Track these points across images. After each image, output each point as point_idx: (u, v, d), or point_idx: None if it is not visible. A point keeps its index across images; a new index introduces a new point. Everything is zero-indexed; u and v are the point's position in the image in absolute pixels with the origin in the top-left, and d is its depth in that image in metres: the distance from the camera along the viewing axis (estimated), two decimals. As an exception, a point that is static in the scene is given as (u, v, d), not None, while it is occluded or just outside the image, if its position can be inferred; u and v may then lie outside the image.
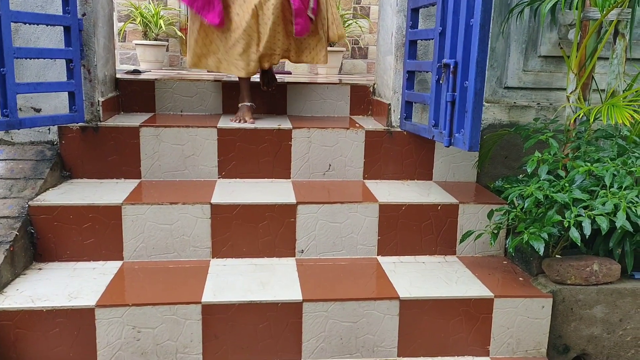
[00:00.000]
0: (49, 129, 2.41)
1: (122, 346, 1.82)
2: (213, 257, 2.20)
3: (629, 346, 1.98)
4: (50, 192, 2.22)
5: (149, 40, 5.37)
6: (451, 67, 2.02)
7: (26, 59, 2.20)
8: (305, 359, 1.92)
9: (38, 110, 2.41)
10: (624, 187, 1.85)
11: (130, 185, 2.38)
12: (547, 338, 1.97)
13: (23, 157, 2.33)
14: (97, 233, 2.14)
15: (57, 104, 2.41)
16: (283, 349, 1.90)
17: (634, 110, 1.97)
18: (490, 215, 2.22)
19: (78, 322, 1.80)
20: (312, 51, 2.77)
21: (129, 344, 1.83)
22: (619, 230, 1.97)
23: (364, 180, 2.60)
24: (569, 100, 2.21)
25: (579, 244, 1.86)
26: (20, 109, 2.32)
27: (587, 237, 1.82)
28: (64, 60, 2.31)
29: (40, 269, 2.07)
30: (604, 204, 1.82)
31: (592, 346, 1.98)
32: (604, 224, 1.77)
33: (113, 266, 2.11)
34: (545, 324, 1.97)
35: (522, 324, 1.96)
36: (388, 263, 2.24)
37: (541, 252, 1.87)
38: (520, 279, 2.10)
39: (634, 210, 1.78)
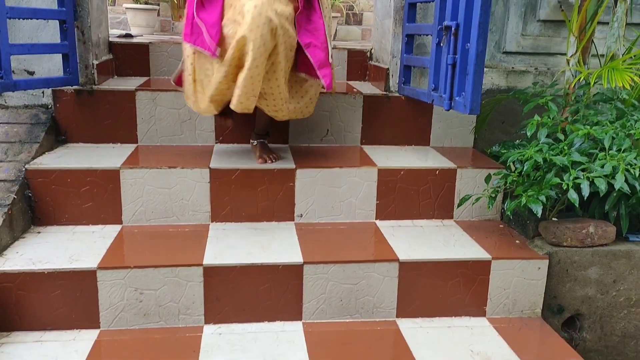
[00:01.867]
0: (42, 92, 2.37)
1: (125, 307, 1.84)
2: (212, 221, 2.21)
3: (621, 307, 2.03)
4: (46, 156, 2.20)
5: (140, 4, 5.25)
6: (452, 29, 2.01)
7: (19, 19, 2.14)
8: (305, 320, 1.94)
9: (32, 73, 2.37)
10: (622, 149, 1.87)
11: (127, 149, 2.36)
12: (542, 299, 2.01)
13: (17, 120, 2.29)
14: (96, 197, 2.13)
15: (50, 66, 2.37)
16: (284, 311, 1.92)
17: (634, 73, 1.97)
18: (487, 179, 2.24)
19: (80, 284, 1.81)
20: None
21: (131, 305, 1.84)
22: (616, 193, 1.99)
23: (362, 146, 2.60)
24: (568, 64, 2.21)
25: (577, 206, 1.89)
26: (13, 71, 2.27)
27: (585, 199, 1.84)
28: (57, 21, 2.26)
29: (39, 232, 2.06)
30: (602, 167, 1.84)
31: (586, 307, 2.02)
32: (602, 186, 1.79)
33: (112, 230, 2.11)
34: (540, 285, 2.00)
35: (518, 285, 2.00)
36: (386, 227, 2.25)
37: (539, 215, 1.89)
38: (517, 241, 2.13)
39: (632, 173, 1.80)
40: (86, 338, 1.79)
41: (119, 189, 2.13)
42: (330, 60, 2.07)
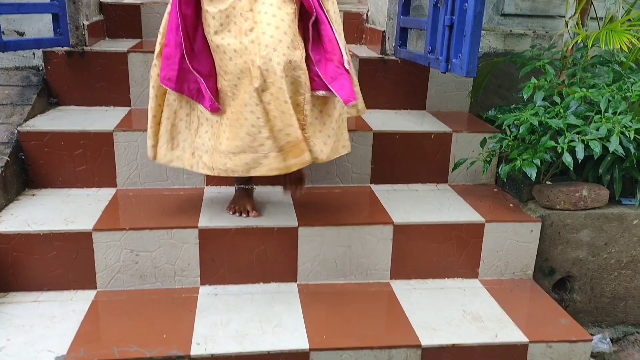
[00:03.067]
0: (33, 54, 2.33)
1: (121, 269, 1.85)
2: (207, 185, 2.21)
3: (612, 269, 2.06)
4: (38, 118, 2.18)
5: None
6: (450, -11, 1.97)
7: (7, -23, 2.09)
8: (300, 281, 1.96)
9: (21, 34, 2.33)
10: (618, 112, 1.87)
11: (120, 112, 2.34)
12: (534, 261, 2.04)
13: (8, 82, 2.26)
14: (89, 160, 2.12)
15: (41, 27, 2.33)
16: (279, 272, 1.94)
17: (633, 35, 1.95)
18: (483, 143, 2.24)
19: (75, 245, 1.81)
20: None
21: (127, 266, 1.85)
22: (610, 157, 2.00)
23: (357, 110, 2.58)
24: (567, 26, 2.19)
25: (571, 170, 1.89)
26: (3, 32, 2.22)
27: (579, 162, 1.85)
28: (46, -20, 2.21)
29: (33, 194, 2.06)
30: (597, 129, 1.84)
31: (577, 269, 2.05)
32: (597, 148, 1.79)
33: (107, 193, 2.11)
34: (533, 248, 2.03)
35: (511, 247, 2.02)
36: (381, 191, 2.26)
37: (533, 178, 1.90)
38: (511, 205, 2.14)
39: (627, 135, 1.80)
40: (83, 298, 1.80)
41: (112, 152, 2.12)
42: (346, 67, 1.68)
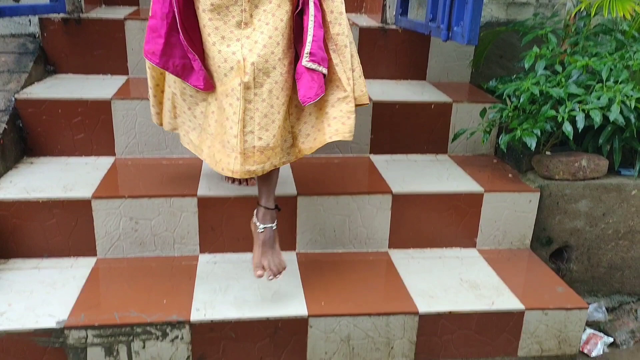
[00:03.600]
0: (29, 21, 2.30)
1: (121, 236, 1.86)
2: (206, 154, 2.20)
3: (609, 239, 2.07)
4: (36, 86, 2.16)
5: None
6: (452, -45, 1.93)
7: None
8: (299, 250, 1.98)
9: (17, 0, 2.29)
10: (620, 81, 1.85)
11: (118, 81, 2.32)
12: (531, 231, 2.05)
13: (5, 50, 2.23)
14: (88, 128, 2.11)
15: (36, -7, 2.29)
16: (279, 241, 1.95)
17: (636, 3, 1.92)
18: (483, 113, 2.22)
19: (75, 213, 1.82)
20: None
21: (127, 234, 1.86)
22: (610, 127, 1.99)
23: (357, 80, 2.56)
24: (570, -6, 2.15)
25: (571, 140, 1.89)
26: (-3, -2, 2.20)
27: (579, 131, 1.84)
28: (41, -56, 2.17)
29: (32, 162, 2.05)
30: (598, 98, 1.82)
31: (575, 239, 2.06)
32: (597, 118, 1.78)
33: (105, 161, 2.10)
34: (531, 218, 2.03)
35: (509, 217, 2.03)
36: (380, 161, 2.26)
37: (533, 148, 1.89)
38: (510, 175, 2.14)
39: (628, 105, 1.79)
40: (83, 265, 1.81)
41: (110, 121, 2.11)
42: (303, 63, 1.52)
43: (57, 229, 1.82)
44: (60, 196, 1.80)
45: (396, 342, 1.68)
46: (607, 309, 2.09)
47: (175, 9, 1.50)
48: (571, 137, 1.85)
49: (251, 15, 1.51)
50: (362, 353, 1.68)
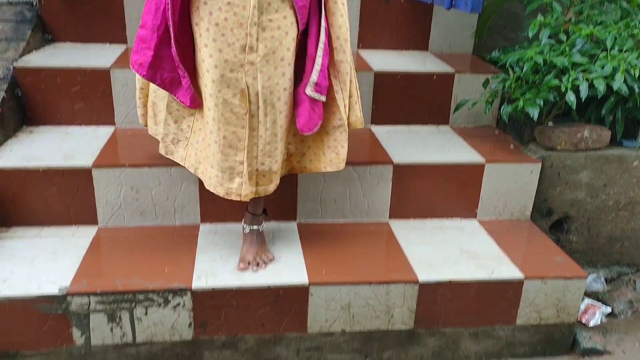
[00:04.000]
0: (26, -12, 2.27)
1: (122, 206, 1.86)
2: (206, 124, 2.19)
3: (609, 210, 2.07)
4: (34, 55, 2.14)
5: None
6: None
7: None
8: (300, 220, 1.98)
9: (12, -33, 2.25)
10: (624, 49, 1.83)
11: (117, 50, 2.29)
12: (532, 202, 2.05)
13: (2, 18, 2.20)
14: (87, 98, 2.09)
15: (32, -41, 2.25)
16: (279, 211, 1.95)
17: (644, -29, 1.89)
18: (485, 84, 2.20)
19: (75, 182, 1.81)
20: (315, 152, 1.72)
21: (127, 203, 1.86)
22: (613, 98, 1.98)
23: (359, 50, 2.53)
24: (576, -38, 2.12)
25: (573, 110, 1.87)
26: (-8, -36, 2.16)
27: (582, 101, 1.83)
28: None
29: (31, 132, 2.04)
30: (602, 67, 1.81)
31: (575, 210, 2.06)
32: (601, 87, 1.77)
33: (105, 131, 2.09)
34: (532, 189, 2.03)
35: (510, 188, 2.02)
36: (382, 132, 2.24)
37: (535, 118, 1.88)
38: (511, 146, 2.13)
39: (632, 74, 1.77)
40: (84, 234, 1.82)
41: (110, 90, 2.09)
42: (307, 92, 1.52)
43: (57, 198, 1.82)
44: (60, 165, 1.80)
45: (396, 310, 1.70)
46: (605, 280, 2.11)
47: (170, 23, 1.42)
48: (574, 107, 1.83)
49: (257, 40, 1.44)
50: (362, 321, 1.70)
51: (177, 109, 1.63)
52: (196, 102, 1.54)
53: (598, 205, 2.06)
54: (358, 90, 1.65)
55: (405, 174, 1.97)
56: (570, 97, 1.82)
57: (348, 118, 1.63)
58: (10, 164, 1.78)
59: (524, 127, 2.12)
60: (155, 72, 1.51)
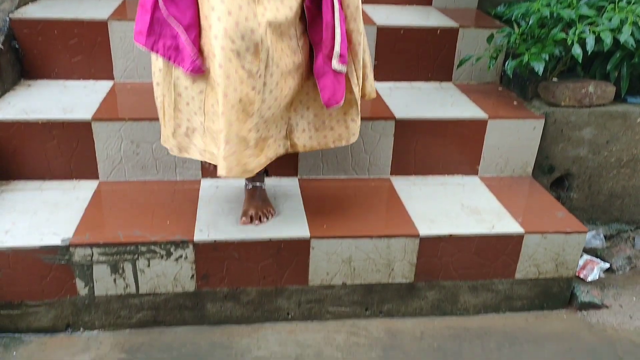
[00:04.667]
0: (19, -63, 2.20)
1: (122, 160, 1.85)
2: (206, 79, 2.16)
3: (611, 167, 2.06)
4: (30, 6, 2.10)
5: None
6: None
7: None
8: (301, 176, 1.97)
9: None
10: (632, 1, 1.79)
11: (114, 1, 2.25)
12: (534, 158, 2.04)
13: (-5, -33, 2.15)
14: (85, 50, 2.06)
15: None
16: (281, 167, 1.94)
17: None
18: (490, 39, 2.17)
19: (75, 135, 1.80)
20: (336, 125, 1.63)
21: (128, 157, 1.85)
22: (619, 53, 1.95)
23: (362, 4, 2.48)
24: None
25: (579, 63, 1.85)
26: None
27: (589, 54, 1.80)
28: None
29: (29, 85, 2.02)
30: (610, 20, 1.77)
31: (577, 167, 2.06)
32: (607, 39, 1.74)
33: (104, 85, 2.07)
34: (534, 145, 2.02)
35: (513, 145, 2.01)
36: (384, 88, 2.22)
37: (540, 73, 1.86)
38: (515, 102, 2.11)
39: (640, 26, 1.74)
40: (86, 187, 1.82)
41: (108, 43, 2.05)
42: (333, 65, 1.42)
43: (57, 151, 1.81)
44: (59, 117, 1.78)
45: (396, 264, 1.71)
46: (605, 237, 2.12)
47: None
48: (580, 60, 1.81)
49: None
50: (363, 274, 1.71)
51: (185, 87, 1.43)
52: (197, 67, 1.37)
53: (600, 162, 2.05)
54: (370, 61, 1.57)
55: (407, 130, 1.96)
56: (577, 50, 1.79)
57: (363, 89, 1.55)
58: (9, 117, 1.76)
59: (527, 83, 2.09)
60: (157, 39, 1.36)
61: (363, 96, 1.58)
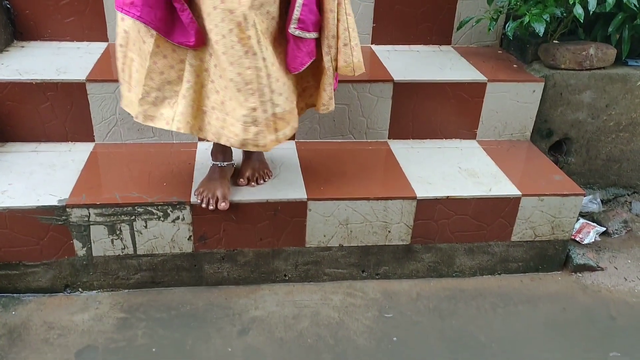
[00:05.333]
0: None
1: (118, 122, 1.84)
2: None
3: (610, 131, 2.05)
4: (20, -35, 2.05)
5: None
6: None
7: None
8: (298, 139, 1.97)
9: None
10: (637, -40, 1.76)
11: (107, -38, 2.20)
12: (533, 122, 2.03)
13: None
14: (78, 11, 2.02)
15: None
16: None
17: None
18: (490, 1, 2.13)
19: (70, 96, 1.78)
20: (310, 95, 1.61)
21: (124, 120, 1.84)
22: (621, 15, 1.92)
23: (360, -34, 2.43)
24: None
25: (581, 23, 1.82)
26: None
27: (590, 14, 1.77)
28: None
29: (22, 46, 1.99)
30: (613, -21, 1.74)
31: (575, 131, 2.05)
32: (610, -1, 1.71)
33: (98, 47, 2.04)
34: (533, 109, 2.01)
35: (511, 108, 2.00)
36: (382, 51, 2.19)
37: (541, 34, 1.83)
38: (515, 65, 2.09)
39: (644, -14, 1.71)
40: (81, 150, 1.81)
41: (101, 2, 2.02)
42: (293, 29, 1.38)
43: (52, 113, 1.80)
44: (53, 78, 1.76)
45: (393, 226, 1.72)
46: (601, 202, 2.12)
47: None
48: (582, 20, 1.78)
49: None
50: (360, 236, 1.72)
51: (164, 56, 1.37)
52: (202, 39, 1.34)
53: (599, 126, 2.04)
54: (349, 32, 1.43)
55: (405, 93, 1.94)
56: (578, 10, 1.76)
57: (336, 61, 1.46)
58: (2, 77, 1.74)
59: (527, 45, 2.07)
60: (151, 11, 1.29)
61: (336, 69, 1.48)
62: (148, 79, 1.38)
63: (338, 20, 1.41)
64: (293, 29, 1.38)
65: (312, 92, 1.59)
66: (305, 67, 1.44)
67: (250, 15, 1.30)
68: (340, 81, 1.89)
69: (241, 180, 1.68)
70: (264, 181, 1.70)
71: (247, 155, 1.72)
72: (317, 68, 1.51)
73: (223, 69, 1.35)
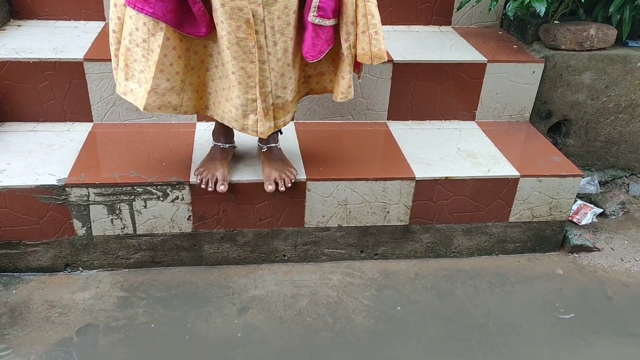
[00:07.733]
0: None
1: (116, 102, 1.83)
2: (200, 21, 2.11)
3: (609, 112, 2.05)
4: (16, -58, 2.02)
5: None
6: None
7: None
8: (297, 119, 1.96)
9: None
10: (640, -61, 1.74)
11: (104, -61, 2.17)
12: (532, 103, 2.03)
13: None
14: (75, -10, 2.01)
15: None
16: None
17: None
18: (491, -19, 2.11)
19: (67, 76, 1.77)
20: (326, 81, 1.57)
21: (122, 100, 1.82)
22: (623, -5, 1.91)
23: (359, -56, 2.40)
24: None
25: (582, 2, 1.80)
26: None
27: (591, -6, 1.76)
28: None
29: (19, 25, 1.97)
30: (615, -42, 1.72)
31: (574, 112, 2.05)
32: (612, -21, 1.69)
33: (95, 26, 2.02)
34: (533, 90, 2.00)
35: (511, 89, 2.00)
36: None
37: (542, 14, 1.82)
38: (515, 46, 2.08)
39: (646, -35, 1.70)
40: (80, 129, 1.81)
41: (98, -19, 2.00)
42: (309, 19, 1.35)
43: (50, 92, 1.79)
44: (51, 57, 1.75)
45: (392, 206, 1.72)
46: (599, 183, 2.13)
47: None
48: (582, 1, 1.77)
49: None
50: (359, 217, 1.72)
51: (173, 47, 1.35)
52: (211, 29, 1.34)
53: (598, 108, 2.04)
54: (368, 18, 1.37)
55: (404, 73, 1.94)
56: (579, -10, 1.75)
57: (355, 49, 1.42)
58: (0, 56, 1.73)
59: (528, 26, 2.06)
60: (162, 5, 1.28)
61: (355, 56, 1.44)
62: (158, 72, 1.36)
63: (356, 5, 1.37)
64: (312, 17, 1.35)
65: (331, 77, 1.54)
66: (324, 55, 1.41)
67: (260, 11, 1.28)
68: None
69: (270, 187, 1.60)
70: (291, 180, 1.63)
71: (267, 157, 1.66)
72: (336, 54, 1.47)
73: (227, 61, 1.35)
